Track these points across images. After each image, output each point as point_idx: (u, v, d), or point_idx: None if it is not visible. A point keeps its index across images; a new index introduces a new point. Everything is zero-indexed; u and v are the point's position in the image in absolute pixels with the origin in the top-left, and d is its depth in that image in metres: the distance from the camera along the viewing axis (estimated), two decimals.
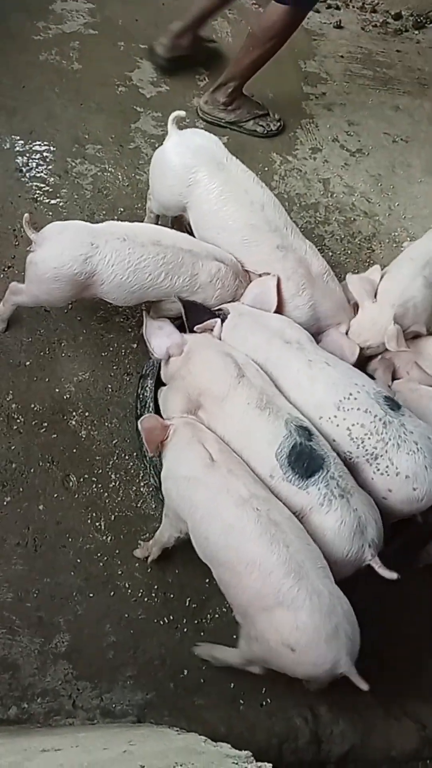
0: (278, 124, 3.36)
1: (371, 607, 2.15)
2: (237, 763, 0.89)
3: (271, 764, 0.91)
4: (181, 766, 0.94)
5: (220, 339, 2.18)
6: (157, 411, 2.31)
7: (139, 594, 2.13)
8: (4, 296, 2.36)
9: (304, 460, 1.87)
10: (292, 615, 1.63)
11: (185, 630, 2.11)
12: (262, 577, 1.68)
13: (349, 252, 3.10)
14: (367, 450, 1.94)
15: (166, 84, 3.40)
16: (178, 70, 3.41)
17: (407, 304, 2.34)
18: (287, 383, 2.08)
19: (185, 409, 2.05)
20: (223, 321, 2.22)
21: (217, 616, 2.15)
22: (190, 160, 2.34)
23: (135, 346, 2.57)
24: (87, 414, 2.41)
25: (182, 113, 2.45)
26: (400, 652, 2.21)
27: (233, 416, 1.98)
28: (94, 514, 2.24)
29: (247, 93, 3.29)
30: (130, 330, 2.61)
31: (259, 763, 0.90)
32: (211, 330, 2.20)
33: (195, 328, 2.23)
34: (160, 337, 2.21)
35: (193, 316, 2.25)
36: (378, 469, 1.94)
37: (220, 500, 1.80)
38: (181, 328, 2.27)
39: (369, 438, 1.94)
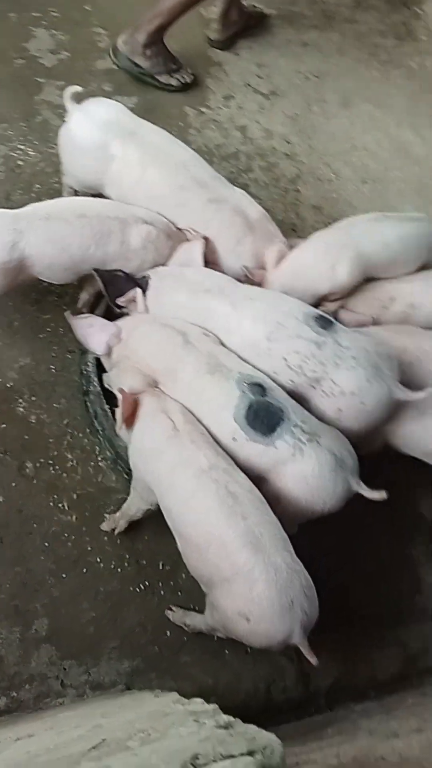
0: (192, 76, 3.16)
1: (346, 539, 2.17)
2: (197, 720, 0.84)
3: (237, 718, 0.86)
4: (141, 732, 0.89)
5: (145, 308, 2.07)
6: (102, 385, 2.23)
7: (112, 566, 2.06)
8: None
9: (263, 416, 1.78)
10: (248, 586, 1.58)
11: (162, 593, 2.05)
12: (219, 549, 1.62)
13: (275, 197, 2.97)
14: (307, 375, 1.87)
15: (66, 50, 3.18)
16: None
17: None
18: (219, 331, 1.98)
19: (142, 386, 1.94)
20: (146, 288, 2.10)
21: (191, 574, 2.09)
22: (98, 136, 2.18)
23: None
24: (34, 399, 2.28)
25: (78, 88, 2.25)
26: (377, 579, 2.19)
27: (186, 386, 1.89)
28: (55, 497, 2.14)
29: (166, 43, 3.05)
30: (65, 307, 2.45)
31: (226, 717, 0.85)
32: (135, 301, 2.08)
33: (117, 302, 2.11)
34: (94, 333, 2.08)
35: (113, 288, 2.11)
36: (324, 392, 1.87)
37: (181, 471, 1.73)
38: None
39: (306, 363, 1.86)
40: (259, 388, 1.83)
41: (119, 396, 1.89)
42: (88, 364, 2.30)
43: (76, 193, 2.45)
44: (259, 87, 3.32)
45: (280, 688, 1.95)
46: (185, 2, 2.87)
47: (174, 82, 3.12)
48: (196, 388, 1.87)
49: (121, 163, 2.18)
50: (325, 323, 1.91)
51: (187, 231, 2.25)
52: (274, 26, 3.59)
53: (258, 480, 1.83)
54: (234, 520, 1.63)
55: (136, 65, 3.05)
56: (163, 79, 3.10)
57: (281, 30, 3.58)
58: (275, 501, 1.80)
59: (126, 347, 2.01)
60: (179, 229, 2.24)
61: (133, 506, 1.99)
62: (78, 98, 2.25)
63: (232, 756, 0.69)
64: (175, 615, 1.99)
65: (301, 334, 1.88)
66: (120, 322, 2.09)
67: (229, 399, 1.82)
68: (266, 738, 0.74)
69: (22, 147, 2.77)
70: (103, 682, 1.91)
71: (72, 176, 2.36)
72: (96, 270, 2.14)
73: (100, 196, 2.33)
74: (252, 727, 0.79)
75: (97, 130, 2.19)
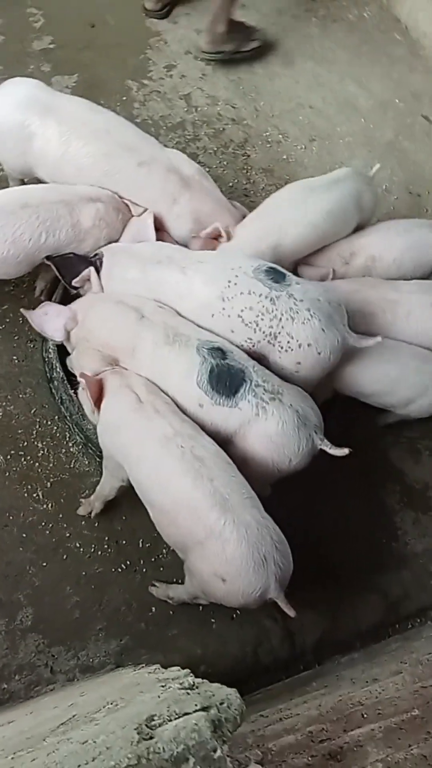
0: (258, 31, 3.18)
1: (319, 493, 2.15)
2: (164, 685, 0.82)
3: (205, 680, 0.83)
4: (110, 704, 0.86)
5: (100, 286, 2.00)
6: (65, 371, 2.16)
7: (92, 549, 2.02)
8: None
9: (225, 379, 1.75)
10: (220, 546, 1.55)
11: (144, 570, 2.01)
12: (189, 513, 1.60)
13: (225, 163, 2.87)
14: (264, 331, 1.84)
15: (1, 33, 3.05)
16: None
17: None
18: (173, 300, 1.92)
19: (102, 367, 1.88)
20: (100, 265, 2.03)
21: (171, 549, 2.05)
22: (15, 115, 2.08)
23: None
24: None
25: None
26: (353, 530, 2.17)
27: (147, 360, 1.84)
28: (29, 487, 2.09)
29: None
30: (23, 296, 2.39)
31: (193, 679, 0.82)
32: (90, 280, 2.01)
33: (73, 284, 2.04)
34: (50, 320, 2.01)
35: (67, 271, 2.03)
36: (282, 347, 1.85)
37: (147, 440, 1.70)
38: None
39: (262, 319, 1.83)
40: (219, 352, 1.79)
41: (80, 380, 1.84)
42: (50, 350, 2.23)
43: (22, 182, 2.35)
44: (199, 54, 3.19)
45: (267, 649, 1.94)
46: None
47: (253, 44, 3.15)
48: (157, 360, 1.83)
49: (42, 139, 2.09)
50: (277, 276, 1.87)
51: (131, 202, 2.16)
52: None
53: (226, 442, 1.81)
54: (201, 482, 1.61)
55: (226, 52, 3.10)
56: (247, 47, 3.14)
57: None
58: (243, 462, 1.79)
59: (83, 329, 1.95)
60: (122, 199, 2.15)
61: (107, 485, 1.95)
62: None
63: (187, 713, 0.66)
64: (158, 590, 1.96)
65: (254, 290, 1.84)
66: (74, 305, 2.02)
67: (190, 366, 1.78)
68: (224, 693, 0.71)
69: None
70: (93, 664, 1.88)
71: (7, 164, 2.27)
72: (48, 257, 2.06)
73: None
74: (215, 686, 0.77)
75: (13, 110, 2.11)
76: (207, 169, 2.83)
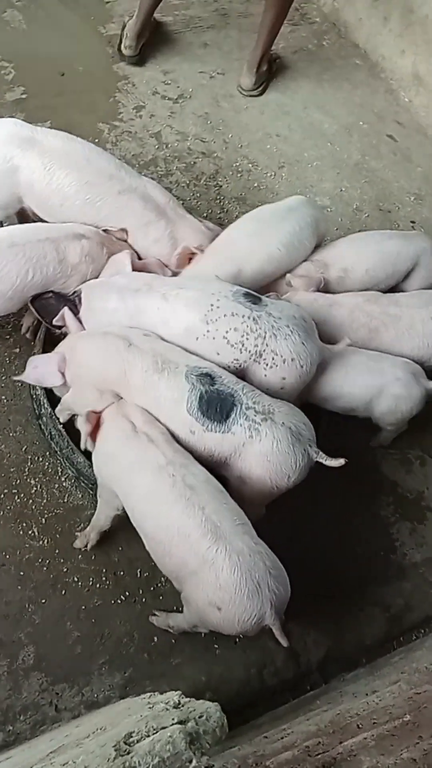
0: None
1: (314, 511, 2.15)
2: (151, 707, 0.81)
3: (192, 698, 0.82)
4: (99, 729, 0.86)
5: (77, 324, 2.02)
6: (53, 407, 2.17)
7: (90, 583, 2.01)
8: None
9: (216, 405, 1.77)
10: (213, 575, 1.55)
11: (144, 600, 2.00)
12: (182, 542, 1.60)
13: (198, 195, 2.94)
14: (249, 351, 1.88)
15: None
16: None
17: None
18: (156, 325, 1.95)
19: (102, 400, 1.90)
20: (79, 303, 2.05)
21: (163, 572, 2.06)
22: (1, 150, 2.15)
23: (18, 350, 2.39)
24: None
25: None
26: (350, 544, 2.16)
27: (140, 389, 1.85)
28: (24, 524, 2.09)
29: None
30: (8, 336, 2.42)
31: (179, 698, 0.81)
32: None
33: (54, 323, 2.07)
34: (42, 372, 2.00)
35: (47, 312, 2.07)
36: (267, 364, 1.89)
37: (140, 470, 1.71)
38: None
39: (247, 338, 1.87)
40: (208, 378, 1.81)
41: (83, 418, 1.84)
42: (37, 387, 2.25)
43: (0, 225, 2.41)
44: (167, 93, 3.28)
45: (272, 672, 1.91)
46: (282, 15, 3.07)
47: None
48: (148, 388, 1.84)
49: (28, 171, 2.17)
50: (254, 299, 1.92)
51: (113, 231, 2.23)
52: (174, 32, 3.56)
53: (221, 466, 1.82)
54: (192, 511, 1.61)
55: (264, 86, 3.34)
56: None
57: (180, 35, 3.55)
58: (241, 483, 1.81)
59: (74, 365, 1.96)
60: (106, 231, 2.22)
61: (102, 515, 1.95)
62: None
63: (164, 728, 0.66)
64: (159, 619, 1.95)
65: (236, 312, 1.88)
66: (59, 347, 2.04)
67: (180, 393, 1.80)
68: (204, 707, 0.71)
69: None
70: (98, 699, 1.85)
71: None
72: (31, 300, 2.10)
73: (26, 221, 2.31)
74: (199, 702, 0.77)
75: None
76: (181, 202, 2.89)
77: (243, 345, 1.88)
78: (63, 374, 1.98)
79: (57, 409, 2.10)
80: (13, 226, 2.24)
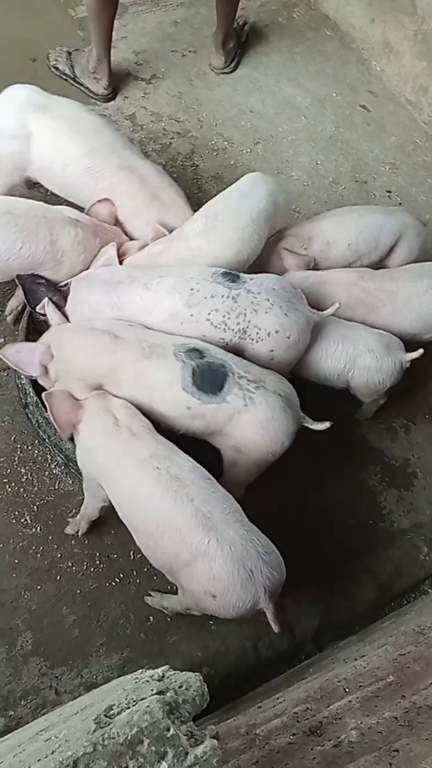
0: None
1: (302, 479, 2.16)
2: (137, 681, 0.82)
3: (176, 670, 0.83)
4: (85, 707, 0.87)
5: (59, 316, 2.02)
6: (38, 395, 2.17)
7: (84, 567, 2.02)
8: None
9: (208, 377, 1.79)
10: (207, 565, 1.56)
11: (138, 581, 2.01)
12: (173, 535, 1.59)
13: (175, 175, 2.86)
14: (233, 330, 1.89)
15: None
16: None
17: None
18: (140, 315, 1.95)
19: (86, 394, 1.88)
20: (68, 294, 2.05)
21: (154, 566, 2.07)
22: (14, 115, 2.21)
23: (2, 340, 2.39)
24: None
25: None
26: (339, 512, 2.18)
27: (130, 378, 1.85)
28: (17, 512, 2.09)
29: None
30: None
31: (163, 671, 0.82)
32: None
33: (37, 309, 2.06)
34: (23, 358, 1.98)
35: (34, 296, 2.06)
36: (253, 339, 1.90)
37: (123, 464, 1.70)
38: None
39: (228, 318, 1.88)
40: (196, 352, 1.82)
41: (47, 404, 1.83)
42: (22, 377, 2.23)
43: None
44: (139, 73, 3.23)
45: (267, 644, 1.94)
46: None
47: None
48: (140, 376, 1.84)
49: (38, 136, 2.20)
50: (233, 277, 1.92)
51: (107, 226, 2.20)
52: (143, 12, 3.50)
53: (216, 437, 1.84)
54: (181, 503, 1.60)
55: (235, 63, 3.25)
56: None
57: (150, 15, 3.49)
58: (236, 453, 1.83)
59: (60, 361, 1.95)
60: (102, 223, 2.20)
61: (89, 506, 1.95)
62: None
63: (142, 699, 0.67)
64: (154, 600, 1.96)
65: (215, 293, 1.89)
66: (44, 338, 2.03)
67: (172, 373, 1.80)
68: (184, 677, 0.72)
69: None
70: (97, 680, 1.87)
71: (4, 174, 2.33)
72: (18, 276, 2.09)
73: None
74: (180, 674, 0.78)
75: (12, 111, 2.22)
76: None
77: (226, 324, 1.88)
78: (44, 367, 1.96)
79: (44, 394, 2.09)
80: (13, 197, 2.22)
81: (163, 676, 0.81)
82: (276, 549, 1.64)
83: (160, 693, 0.68)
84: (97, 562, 2.04)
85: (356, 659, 1.27)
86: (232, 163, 2.96)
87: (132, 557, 2.05)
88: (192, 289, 1.90)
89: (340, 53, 3.39)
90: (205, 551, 1.56)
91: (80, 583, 2.01)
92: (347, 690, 1.03)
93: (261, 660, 1.92)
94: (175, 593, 1.88)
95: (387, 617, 1.93)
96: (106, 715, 0.66)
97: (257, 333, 1.89)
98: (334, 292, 2.15)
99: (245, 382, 1.79)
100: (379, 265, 2.36)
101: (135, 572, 2.04)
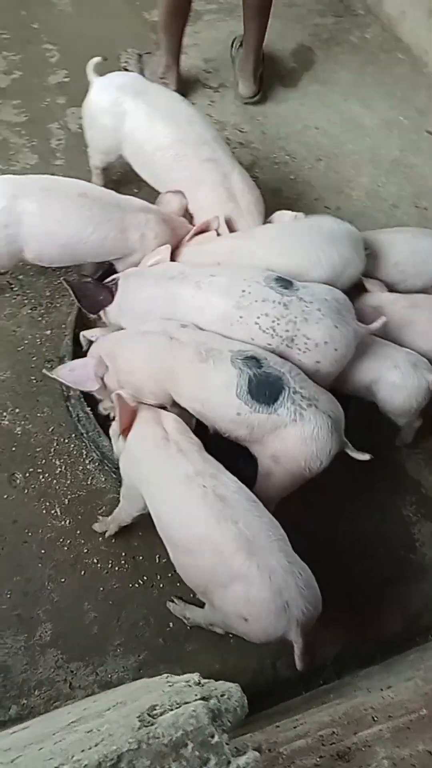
0: None
1: (338, 505, 2.16)
2: (171, 685, 0.83)
3: (211, 679, 0.84)
4: (119, 703, 0.88)
5: (113, 316, 2.06)
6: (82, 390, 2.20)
7: (109, 565, 2.04)
8: None
9: (264, 388, 1.79)
10: (244, 589, 1.54)
11: (161, 586, 2.02)
12: (213, 555, 1.57)
13: None
14: (281, 336, 1.88)
15: (18, 69, 3.18)
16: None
17: None
18: (191, 313, 1.97)
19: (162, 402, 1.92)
20: (115, 290, 2.08)
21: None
22: (114, 94, 2.32)
23: (49, 333, 2.43)
24: (18, 410, 2.27)
25: (99, 59, 2.44)
26: (372, 541, 2.16)
27: (189, 382, 1.87)
28: (47, 504, 2.12)
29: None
30: (40, 318, 2.46)
31: (199, 678, 0.83)
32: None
33: (82, 335, 2.15)
34: (79, 374, 1.99)
35: (84, 295, 2.09)
36: (300, 349, 1.90)
37: (169, 479, 1.70)
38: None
39: (278, 324, 1.88)
40: (254, 360, 1.82)
41: (116, 402, 1.82)
42: None
43: (104, 180, 2.59)
44: (207, 81, 3.29)
45: (286, 664, 1.92)
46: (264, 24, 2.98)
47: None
48: (197, 380, 1.86)
49: (133, 116, 2.30)
50: (285, 283, 1.92)
51: (180, 220, 2.27)
52: (217, 20, 3.56)
53: (256, 443, 1.85)
54: (225, 524, 1.58)
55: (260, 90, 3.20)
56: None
57: (224, 23, 3.55)
58: (273, 462, 1.83)
59: (118, 371, 1.96)
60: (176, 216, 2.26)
61: (123, 512, 1.95)
62: (99, 70, 2.42)
63: (186, 702, 0.68)
64: (176, 607, 1.96)
65: (267, 297, 1.89)
66: (93, 350, 2.04)
67: (229, 379, 1.81)
68: (225, 687, 0.73)
69: None
70: (111, 679, 1.88)
71: (95, 149, 2.48)
72: (65, 280, 2.13)
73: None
74: (219, 682, 0.78)
75: (112, 90, 2.34)
76: None
77: (274, 330, 1.89)
78: (101, 380, 1.97)
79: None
80: (92, 184, 2.30)
81: (200, 683, 0.82)
82: (316, 584, 1.61)
83: (204, 699, 0.68)
84: (123, 561, 2.06)
85: (382, 689, 1.26)
86: (292, 177, 2.98)
87: (157, 561, 2.06)
88: (243, 291, 1.92)
89: (410, 77, 3.40)
90: (244, 575, 1.54)
91: (104, 580, 2.02)
92: (376, 719, 1.02)
93: (278, 679, 1.90)
94: (199, 605, 1.88)
95: (411, 651, 1.90)
96: (149, 714, 0.67)
97: (305, 343, 1.89)
98: (423, 318, 2.15)
99: (299, 398, 1.79)
100: (422, 291, 2.35)
101: (159, 576, 2.04)
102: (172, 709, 0.68)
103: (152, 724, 0.65)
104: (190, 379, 1.86)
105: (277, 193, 2.91)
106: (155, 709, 0.68)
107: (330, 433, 1.79)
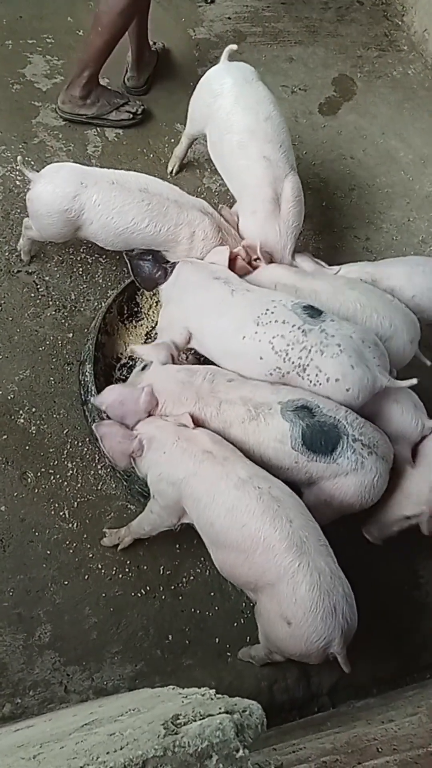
0: (141, 106, 3.06)
1: (340, 536, 2.16)
2: (186, 696, 0.85)
3: (213, 689, 0.85)
4: (132, 710, 0.89)
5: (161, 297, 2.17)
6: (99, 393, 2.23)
7: (113, 572, 2.06)
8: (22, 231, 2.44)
9: (320, 438, 1.79)
10: (291, 588, 1.56)
11: (163, 597, 2.04)
12: (265, 552, 1.61)
13: None
14: (293, 362, 1.88)
15: (60, 74, 3.23)
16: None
17: None
18: (211, 314, 2.03)
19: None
20: (170, 272, 2.19)
21: (192, 578, 2.08)
22: (223, 75, 2.46)
23: (71, 335, 2.46)
24: (34, 410, 2.30)
25: (234, 47, 2.56)
26: (374, 575, 2.16)
27: (239, 436, 1.85)
28: (56, 505, 2.15)
29: (103, 83, 2.98)
30: (63, 321, 2.49)
31: (213, 692, 0.84)
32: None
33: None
34: (128, 409, 1.90)
35: (141, 271, 2.24)
36: (311, 380, 1.88)
37: (221, 486, 1.70)
38: None
39: (292, 348, 1.88)
40: (306, 410, 1.81)
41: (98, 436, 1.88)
42: (86, 374, 2.30)
43: (186, 151, 2.86)
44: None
45: (282, 688, 1.93)
46: (109, 43, 2.79)
47: (125, 116, 3.05)
48: (249, 438, 1.84)
49: (224, 97, 2.42)
50: (313, 312, 1.93)
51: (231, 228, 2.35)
52: (260, 44, 3.62)
53: (310, 486, 1.86)
54: (280, 522, 1.62)
55: (83, 115, 2.99)
56: (113, 116, 3.02)
57: (267, 47, 3.61)
58: (327, 503, 1.84)
59: (166, 413, 1.91)
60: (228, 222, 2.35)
61: (147, 526, 1.94)
62: (232, 57, 2.55)
63: (211, 715, 0.69)
64: (242, 652, 1.97)
65: (288, 320, 1.91)
66: (146, 379, 1.96)
67: (283, 434, 1.80)
68: (246, 703, 0.75)
69: (19, 168, 2.81)
70: (107, 687, 1.89)
71: (190, 118, 2.65)
72: (126, 253, 2.28)
73: None
74: (238, 699, 0.80)
75: (224, 73, 2.47)
76: None
77: (287, 354, 1.89)
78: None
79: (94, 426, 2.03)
80: (154, 178, 2.37)
81: (215, 696, 0.83)
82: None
83: (228, 713, 0.70)
84: (127, 570, 2.08)
85: (383, 722, 1.26)
86: (324, 204, 3.03)
87: (161, 572, 2.08)
88: (267, 310, 1.94)
89: None
90: (294, 573, 1.57)
91: (107, 587, 2.04)
92: (380, 750, 1.03)
93: (274, 702, 1.91)
94: (193, 613, 1.88)
95: (409, 687, 1.90)
96: (173, 723, 0.69)
97: (316, 375, 1.87)
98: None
99: (359, 446, 1.79)
100: None
101: (162, 588, 2.06)
102: (196, 720, 0.69)
103: (177, 733, 0.67)
104: (245, 440, 1.85)
105: (309, 218, 2.93)
106: (179, 719, 0.70)
107: (387, 479, 1.83)
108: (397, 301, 2.20)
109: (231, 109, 2.40)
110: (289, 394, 1.85)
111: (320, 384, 1.88)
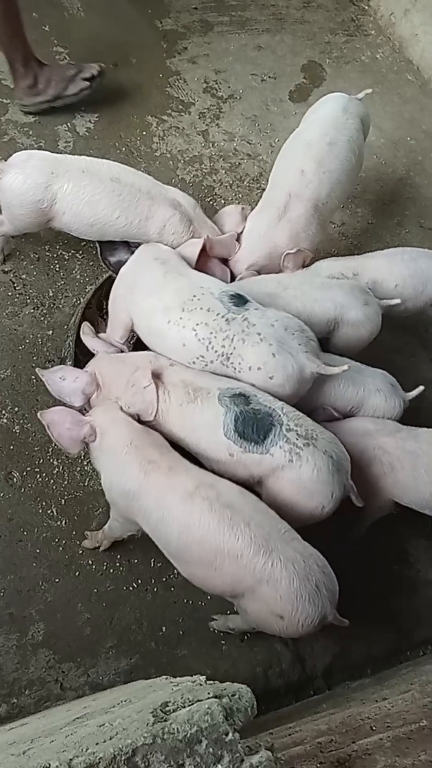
0: (96, 68, 2.91)
1: (332, 523, 2.15)
2: (176, 684, 0.84)
3: (217, 681, 0.85)
4: (124, 701, 0.89)
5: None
6: None
7: (104, 567, 2.04)
8: None
9: (252, 425, 1.73)
10: (272, 588, 1.55)
11: (155, 590, 2.03)
12: (233, 562, 1.57)
13: (240, 196, 2.97)
14: (216, 351, 1.85)
15: None
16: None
17: None
18: (146, 294, 1.99)
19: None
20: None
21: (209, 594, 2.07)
22: (329, 98, 2.66)
23: (50, 333, 2.44)
24: (17, 409, 2.28)
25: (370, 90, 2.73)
26: (366, 556, 2.16)
27: (177, 421, 1.83)
28: (44, 503, 2.13)
29: (45, 61, 2.87)
30: (42, 318, 2.47)
31: (205, 679, 0.84)
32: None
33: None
34: (68, 386, 1.94)
35: (107, 247, 2.28)
36: (235, 369, 1.85)
37: (169, 501, 1.65)
38: None
39: (215, 336, 1.84)
40: (242, 398, 1.77)
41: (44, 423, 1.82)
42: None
43: None
44: (217, 92, 3.32)
45: (277, 672, 1.93)
46: (10, 22, 2.66)
47: (83, 85, 2.92)
48: (185, 420, 1.82)
49: (316, 113, 2.61)
50: (239, 302, 1.90)
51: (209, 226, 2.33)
52: (228, 33, 3.60)
53: (257, 486, 1.80)
54: (238, 529, 1.58)
55: (46, 102, 2.91)
56: (72, 90, 2.91)
57: (235, 36, 3.59)
58: (273, 505, 1.73)
59: (108, 397, 1.91)
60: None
61: (117, 531, 1.93)
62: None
63: (199, 700, 0.69)
64: (218, 623, 1.96)
65: (213, 308, 1.88)
66: (90, 366, 1.99)
67: (216, 418, 1.76)
68: (235, 687, 0.74)
69: None
70: (103, 682, 1.88)
71: None
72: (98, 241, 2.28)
73: None
74: (228, 683, 0.79)
75: (330, 97, 2.63)
76: (223, 201, 2.96)
77: (210, 342, 1.85)
78: (87, 396, 1.92)
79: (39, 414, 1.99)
80: (128, 168, 2.32)
81: (206, 683, 0.83)
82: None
83: (216, 697, 0.69)
84: (117, 564, 2.06)
85: (377, 701, 1.27)
86: None
87: (152, 565, 2.07)
88: (194, 297, 1.91)
89: (419, 99, 3.45)
90: (270, 574, 1.55)
91: (98, 582, 2.02)
92: (374, 728, 1.03)
93: (270, 688, 1.91)
94: (193, 604, 1.88)
95: (403, 665, 1.91)
96: (162, 710, 0.68)
97: (239, 363, 1.84)
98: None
99: (294, 437, 1.72)
100: (424, 312, 2.38)
101: (153, 580, 2.05)
102: (185, 706, 0.68)
103: (166, 720, 0.66)
104: (180, 421, 1.82)
105: None
106: (168, 706, 0.69)
107: (331, 475, 1.71)
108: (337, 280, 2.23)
109: (314, 119, 2.50)
110: (231, 382, 1.83)
111: (242, 371, 1.85)
